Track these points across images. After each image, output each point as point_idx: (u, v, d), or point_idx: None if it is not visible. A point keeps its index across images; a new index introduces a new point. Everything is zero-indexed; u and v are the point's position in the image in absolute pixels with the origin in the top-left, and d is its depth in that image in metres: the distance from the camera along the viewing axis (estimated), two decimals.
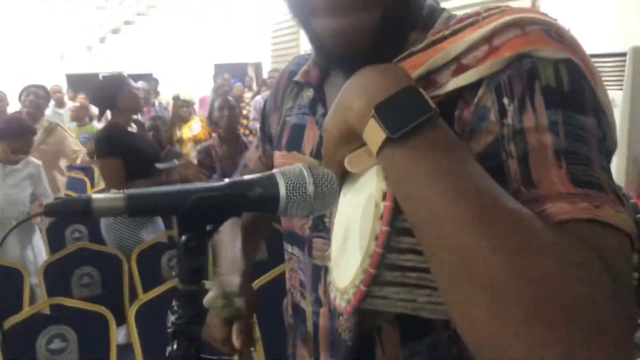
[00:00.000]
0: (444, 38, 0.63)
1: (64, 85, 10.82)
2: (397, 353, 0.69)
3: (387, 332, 0.68)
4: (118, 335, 2.48)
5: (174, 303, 0.54)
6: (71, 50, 12.50)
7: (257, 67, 12.89)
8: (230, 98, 3.87)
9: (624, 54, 3.81)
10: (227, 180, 0.55)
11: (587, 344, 0.42)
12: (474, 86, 0.60)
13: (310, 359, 0.80)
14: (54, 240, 3.65)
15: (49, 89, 7.44)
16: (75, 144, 4.44)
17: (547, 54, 0.57)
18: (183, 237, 0.53)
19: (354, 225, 0.58)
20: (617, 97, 3.86)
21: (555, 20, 0.62)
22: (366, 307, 0.57)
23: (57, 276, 2.93)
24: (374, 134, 0.53)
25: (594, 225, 0.50)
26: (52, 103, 7.50)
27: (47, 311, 2.36)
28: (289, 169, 0.56)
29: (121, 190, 0.51)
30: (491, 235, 0.45)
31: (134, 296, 2.81)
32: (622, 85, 3.84)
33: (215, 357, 0.57)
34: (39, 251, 3.35)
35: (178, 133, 5.05)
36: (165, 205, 0.52)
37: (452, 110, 0.61)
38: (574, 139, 0.55)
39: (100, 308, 2.31)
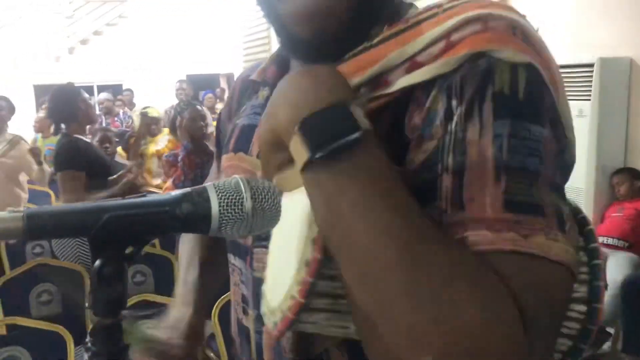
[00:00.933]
0: (401, 31, 0.57)
1: (31, 96, 10.63)
2: None
3: (335, 357, 0.61)
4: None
5: (87, 339, 0.47)
6: (39, 60, 12.26)
7: (229, 77, 12.79)
8: (200, 107, 3.81)
9: (591, 65, 3.84)
10: (149, 196, 0.48)
11: None
12: (427, 87, 0.54)
13: None
14: (14, 256, 3.52)
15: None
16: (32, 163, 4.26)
17: (506, 55, 0.51)
18: (97, 263, 0.46)
19: (289, 239, 0.52)
20: (585, 108, 3.89)
21: (524, 16, 0.56)
22: (296, 329, 0.53)
23: (14, 294, 2.81)
24: (299, 152, 0.48)
25: (515, 257, 0.47)
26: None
27: (3, 331, 2.25)
28: (224, 181, 0.49)
29: (20, 209, 0.43)
30: (411, 282, 0.45)
31: None
32: (590, 95, 3.86)
33: None
34: None
35: (142, 147, 4.97)
36: (73, 225, 0.45)
37: (404, 109, 0.56)
38: (523, 152, 0.50)
39: (58, 327, 2.21)
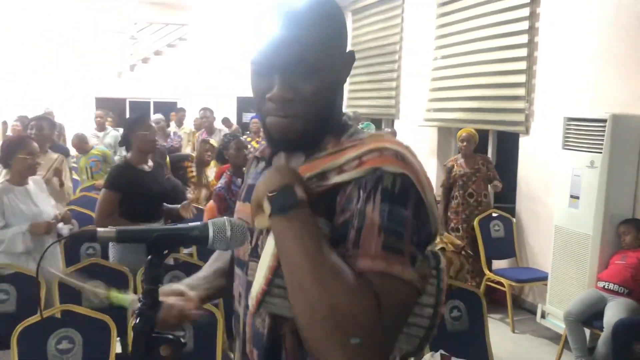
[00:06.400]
0: (338, 151, 1.01)
1: (92, 108, 11.39)
2: (295, 352, 1.01)
3: (288, 338, 1.02)
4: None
5: (140, 296, 0.90)
6: (102, 75, 13.11)
7: None
8: (243, 139, 4.29)
9: (604, 120, 4.11)
10: (178, 225, 0.91)
11: (352, 345, 0.80)
12: (348, 183, 0.96)
13: (240, 345, 1.14)
14: (70, 255, 4.01)
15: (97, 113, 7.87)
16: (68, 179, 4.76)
17: (391, 169, 0.93)
18: (149, 257, 0.89)
19: (265, 258, 0.95)
20: (596, 159, 4.16)
21: (407, 147, 0.99)
22: (264, 309, 0.94)
23: (70, 287, 3.26)
24: (267, 209, 0.92)
25: (383, 275, 0.87)
26: (93, 126, 7.99)
27: (59, 316, 2.68)
28: (217, 219, 0.92)
29: (113, 227, 0.87)
30: (317, 277, 0.85)
31: None
32: (601, 148, 4.13)
33: (163, 334, 0.91)
34: (57, 263, 3.68)
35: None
36: (139, 237, 0.89)
37: (335, 194, 0.97)
38: (394, 221, 0.90)
39: (105, 316, 2.64)
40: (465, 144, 5.42)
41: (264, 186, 0.93)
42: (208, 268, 1.37)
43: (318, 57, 0.99)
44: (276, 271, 0.90)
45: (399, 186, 0.92)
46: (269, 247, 0.94)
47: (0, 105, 8.85)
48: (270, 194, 0.91)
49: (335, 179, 0.97)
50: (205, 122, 7.82)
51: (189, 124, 9.92)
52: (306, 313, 0.84)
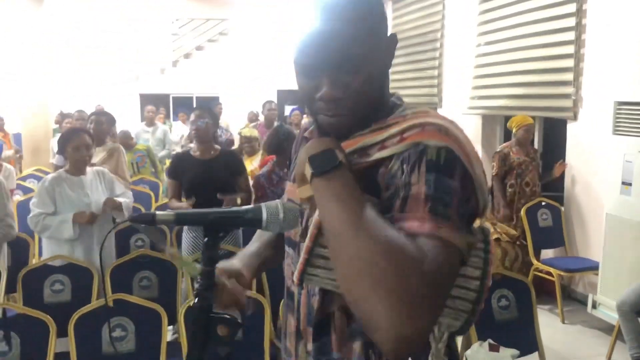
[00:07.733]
0: (381, 128, 1.01)
1: (137, 104, 11.66)
2: (343, 330, 1.03)
3: (337, 316, 1.03)
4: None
5: (198, 277, 0.92)
6: (146, 72, 13.39)
7: None
8: (293, 131, 4.33)
9: None
10: (232, 208, 0.92)
11: (400, 303, 0.78)
12: (390, 158, 0.96)
13: (295, 323, 1.15)
14: (121, 247, 4.11)
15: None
16: (126, 171, 4.89)
17: (433, 143, 0.93)
18: (205, 239, 0.91)
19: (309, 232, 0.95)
20: None
21: (451, 121, 0.97)
22: (307, 281, 0.95)
23: (121, 277, 3.37)
24: (308, 171, 0.93)
25: (430, 237, 0.86)
26: (143, 122, 8.19)
27: (111, 304, 2.76)
28: (271, 203, 0.93)
29: (172, 211, 0.89)
30: (357, 233, 0.84)
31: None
32: None
33: (220, 313, 0.93)
34: (111, 252, 3.79)
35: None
36: (196, 220, 0.91)
37: (378, 170, 0.98)
38: (441, 190, 0.89)
39: (156, 305, 2.70)
40: (525, 132, 5.30)
41: (305, 153, 0.95)
42: (257, 241, 1.37)
43: (363, 50, 0.98)
44: (316, 239, 0.91)
45: (443, 157, 0.91)
46: (313, 221, 0.94)
47: (55, 101, 9.27)
48: (310, 157, 0.92)
49: (377, 155, 0.97)
50: (273, 115, 7.70)
51: (225, 119, 10.03)
52: (347, 269, 0.83)
